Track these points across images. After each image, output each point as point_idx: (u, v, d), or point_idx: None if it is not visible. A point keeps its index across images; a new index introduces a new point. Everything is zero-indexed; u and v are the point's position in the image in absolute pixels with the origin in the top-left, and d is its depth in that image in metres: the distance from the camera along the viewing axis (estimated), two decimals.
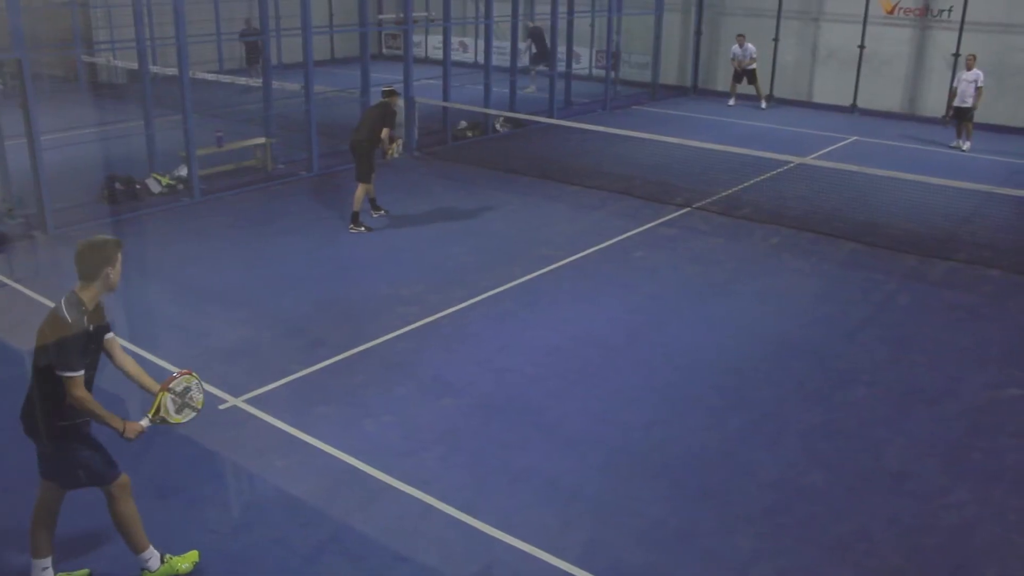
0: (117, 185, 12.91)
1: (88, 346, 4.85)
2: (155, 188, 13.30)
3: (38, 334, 4.80)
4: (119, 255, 4.93)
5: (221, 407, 7.33)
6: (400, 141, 13.12)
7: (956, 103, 17.64)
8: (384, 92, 12.13)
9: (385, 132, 11.76)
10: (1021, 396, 7.92)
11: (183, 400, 5.19)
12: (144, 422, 5.03)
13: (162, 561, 5.33)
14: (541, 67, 22.65)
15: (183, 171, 13.49)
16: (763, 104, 22.30)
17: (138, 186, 13.14)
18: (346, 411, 7.35)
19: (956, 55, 19.91)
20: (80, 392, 4.75)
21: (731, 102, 22.60)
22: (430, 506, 6.13)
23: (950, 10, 20.31)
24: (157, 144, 13.71)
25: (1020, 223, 12.85)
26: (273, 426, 7.09)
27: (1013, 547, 5.88)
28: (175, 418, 5.16)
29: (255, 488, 6.39)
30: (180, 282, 10.09)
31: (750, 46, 21.84)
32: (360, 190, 11.84)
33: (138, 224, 12.15)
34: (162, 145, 13.81)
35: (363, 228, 11.84)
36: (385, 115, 11.86)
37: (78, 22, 21.61)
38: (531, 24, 23.16)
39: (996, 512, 6.25)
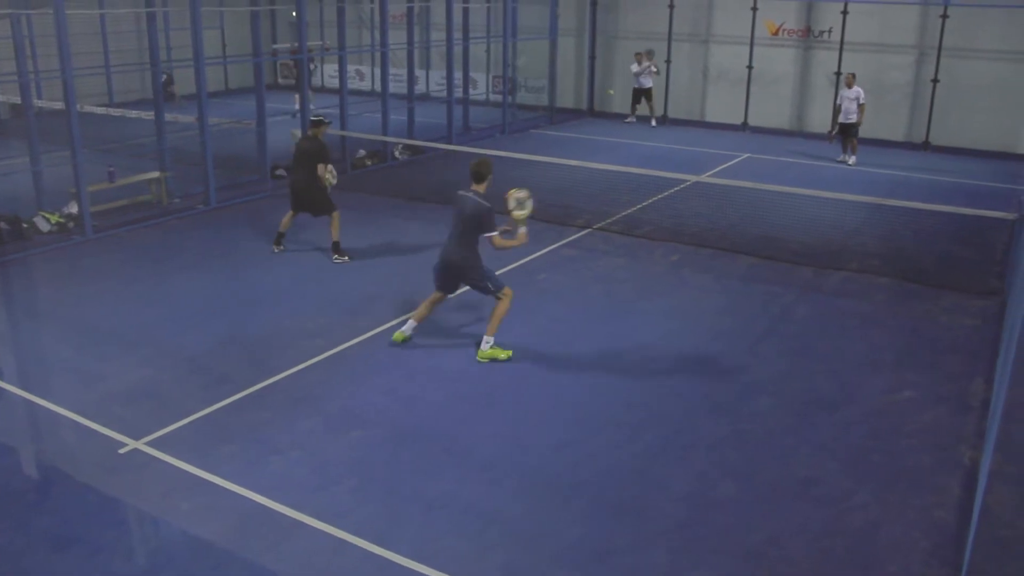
0: (2, 224, 12.37)
1: None
2: (44, 227, 12.81)
3: (480, 210, 8.57)
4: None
5: (121, 451, 7.07)
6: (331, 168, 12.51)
7: (840, 119, 18.37)
8: (312, 122, 11.84)
9: (321, 168, 11.49)
10: (915, 398, 8.23)
11: (522, 205, 8.79)
12: (522, 229, 8.85)
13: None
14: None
15: (73, 208, 13.03)
16: (652, 122, 23.01)
17: (25, 225, 12.63)
18: (253, 448, 7.17)
19: (838, 73, 20.75)
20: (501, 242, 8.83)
21: (629, 119, 23.13)
22: (343, 541, 6.02)
23: (830, 31, 21.20)
24: (45, 181, 13.21)
25: (906, 232, 13.40)
26: (177, 468, 6.86)
27: (914, 543, 6.09)
28: (517, 214, 8.81)
29: (160, 533, 6.18)
30: (74, 323, 9.72)
31: (649, 65, 22.37)
32: (335, 220, 11.70)
33: (27, 264, 11.67)
34: (50, 182, 13.32)
35: (347, 257, 11.72)
36: (318, 149, 11.58)
37: None
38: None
39: (897, 511, 6.47)
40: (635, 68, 22.40)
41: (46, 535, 6.02)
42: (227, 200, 14.72)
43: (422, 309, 9.21)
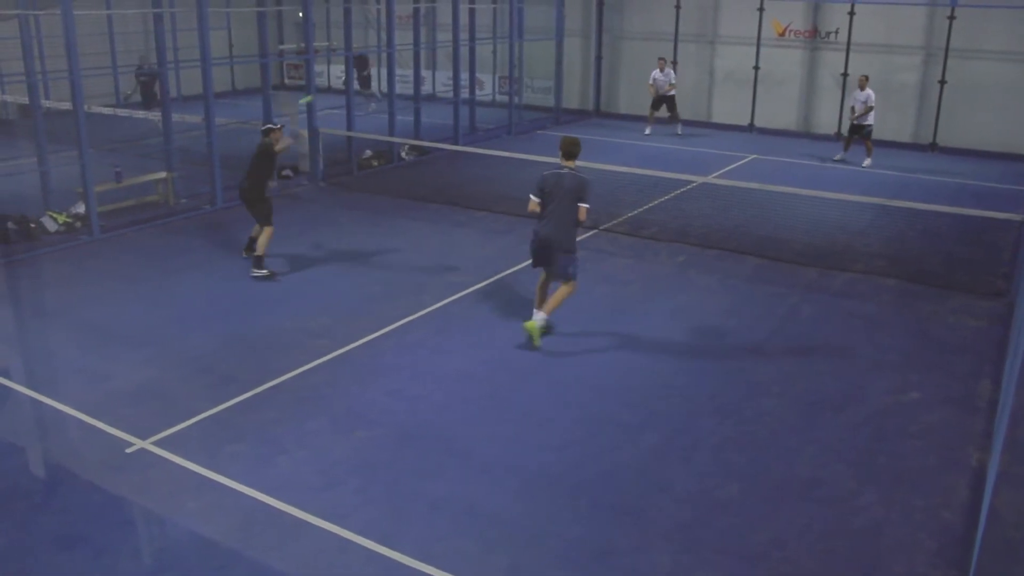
0: (9, 224, 12.44)
1: None
2: (51, 226, 12.86)
3: (582, 183, 9.09)
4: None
5: (128, 451, 7.10)
6: (290, 138, 12.12)
7: (855, 121, 18.33)
8: (263, 132, 11.36)
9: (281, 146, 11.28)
10: (921, 399, 8.22)
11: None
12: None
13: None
14: (369, 91, 25.15)
15: (81, 208, 13.09)
16: (679, 130, 21.82)
17: (33, 225, 12.69)
18: (258, 448, 7.19)
19: (845, 74, 20.72)
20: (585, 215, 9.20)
21: (647, 131, 21.78)
22: (348, 540, 6.03)
23: (837, 32, 21.15)
24: (52, 181, 13.27)
25: (912, 233, 13.38)
26: (183, 467, 6.89)
27: (919, 544, 6.09)
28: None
29: (166, 532, 6.20)
30: (81, 323, 9.76)
31: (671, 71, 21.52)
32: (265, 235, 11.16)
33: (34, 264, 11.72)
34: (57, 182, 13.38)
35: (266, 272, 11.10)
36: (265, 157, 11.16)
37: None
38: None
39: (902, 512, 6.46)
40: (658, 75, 21.26)
41: (52, 534, 6.05)
42: (234, 200, 14.68)
43: (539, 295, 9.54)
